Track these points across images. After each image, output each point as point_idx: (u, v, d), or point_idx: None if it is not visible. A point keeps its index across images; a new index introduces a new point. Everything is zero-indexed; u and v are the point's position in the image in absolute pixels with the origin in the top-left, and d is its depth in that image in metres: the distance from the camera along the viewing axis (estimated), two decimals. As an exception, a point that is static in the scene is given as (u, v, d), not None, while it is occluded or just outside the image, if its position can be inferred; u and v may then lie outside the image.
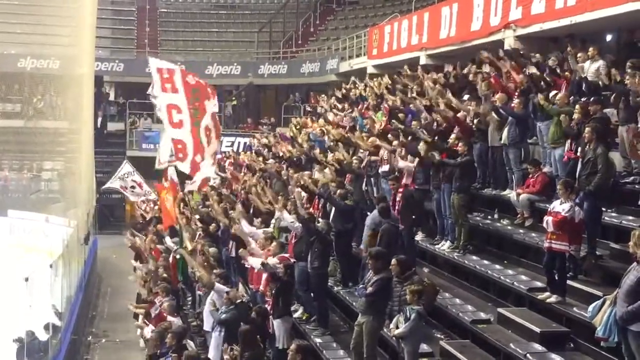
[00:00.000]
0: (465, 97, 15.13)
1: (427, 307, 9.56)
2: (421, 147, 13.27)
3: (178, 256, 15.95)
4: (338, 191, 13.49)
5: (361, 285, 10.46)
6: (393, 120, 15.82)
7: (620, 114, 11.44)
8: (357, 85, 23.83)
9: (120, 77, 37.02)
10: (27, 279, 14.39)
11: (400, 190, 12.69)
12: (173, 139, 16.59)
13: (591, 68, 13.06)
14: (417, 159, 13.35)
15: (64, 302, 17.31)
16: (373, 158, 14.77)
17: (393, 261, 9.91)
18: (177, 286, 16.20)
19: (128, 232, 21.65)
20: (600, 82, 12.68)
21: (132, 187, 24.54)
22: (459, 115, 14.08)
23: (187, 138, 16.45)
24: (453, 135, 13.25)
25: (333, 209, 13.38)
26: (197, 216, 17.26)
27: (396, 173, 13.45)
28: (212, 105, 16.77)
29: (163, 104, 16.41)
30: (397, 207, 12.45)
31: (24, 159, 31.45)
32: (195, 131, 16.44)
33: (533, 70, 14.01)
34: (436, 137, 13.74)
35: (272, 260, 12.09)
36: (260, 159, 21.03)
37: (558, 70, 13.95)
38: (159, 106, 16.51)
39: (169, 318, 13.16)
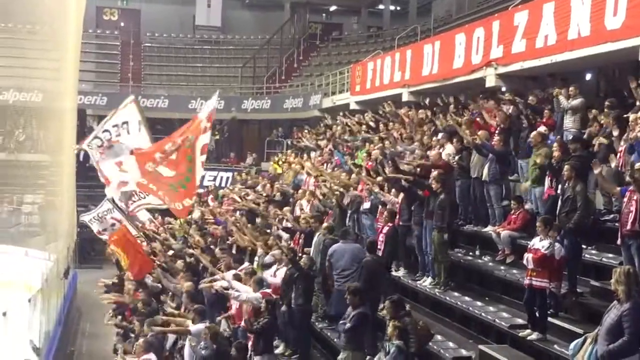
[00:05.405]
0: (440, 135, 15.26)
1: (418, 350, 9.48)
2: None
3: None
4: (324, 225, 13.48)
5: (342, 321, 10.46)
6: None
7: (599, 153, 11.58)
8: (337, 123, 23.94)
9: (103, 110, 36.91)
10: (4, 314, 14.22)
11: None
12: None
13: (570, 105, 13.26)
14: (401, 194, 13.37)
15: (42, 338, 17.07)
16: (354, 194, 14.78)
17: (387, 303, 9.87)
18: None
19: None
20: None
21: (113, 224, 24.20)
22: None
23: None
24: (435, 173, 13.30)
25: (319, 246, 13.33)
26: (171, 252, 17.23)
27: (387, 207, 13.46)
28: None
29: None
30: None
31: (4, 192, 31.11)
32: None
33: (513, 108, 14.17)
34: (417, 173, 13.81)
35: (255, 295, 12.09)
36: (243, 194, 21.02)
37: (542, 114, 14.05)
38: None
39: (144, 356, 12.79)
